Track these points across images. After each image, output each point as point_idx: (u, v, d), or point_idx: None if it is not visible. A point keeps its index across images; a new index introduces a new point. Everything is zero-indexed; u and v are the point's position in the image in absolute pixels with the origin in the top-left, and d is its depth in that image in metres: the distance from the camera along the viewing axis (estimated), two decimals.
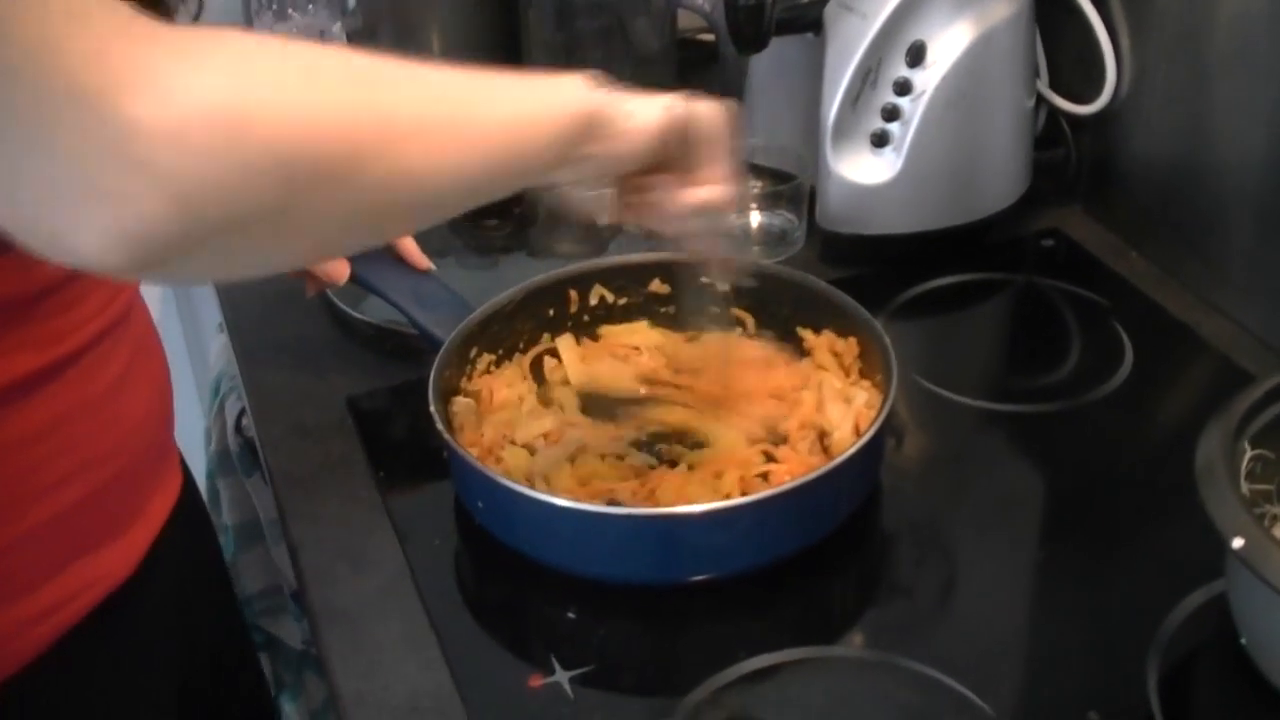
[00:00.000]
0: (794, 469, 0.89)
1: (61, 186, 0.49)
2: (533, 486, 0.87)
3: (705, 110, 0.76)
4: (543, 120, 0.68)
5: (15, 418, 0.72)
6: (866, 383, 0.96)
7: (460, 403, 0.95)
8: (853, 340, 0.98)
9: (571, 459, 0.92)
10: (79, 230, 0.50)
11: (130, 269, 0.52)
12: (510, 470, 0.90)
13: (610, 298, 1.04)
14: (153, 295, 1.58)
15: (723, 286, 0.98)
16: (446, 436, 0.87)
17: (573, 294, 1.03)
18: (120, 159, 0.49)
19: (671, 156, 0.76)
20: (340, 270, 1.00)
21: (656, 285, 1.04)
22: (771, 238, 1.21)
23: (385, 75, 0.60)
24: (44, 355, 0.72)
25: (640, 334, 1.04)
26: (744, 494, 0.87)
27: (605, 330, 1.04)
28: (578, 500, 0.86)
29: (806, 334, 1.00)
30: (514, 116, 0.67)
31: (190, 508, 0.92)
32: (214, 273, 0.60)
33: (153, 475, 0.85)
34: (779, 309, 1.02)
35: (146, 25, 0.51)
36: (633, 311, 1.05)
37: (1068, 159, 1.27)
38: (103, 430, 0.78)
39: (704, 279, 0.98)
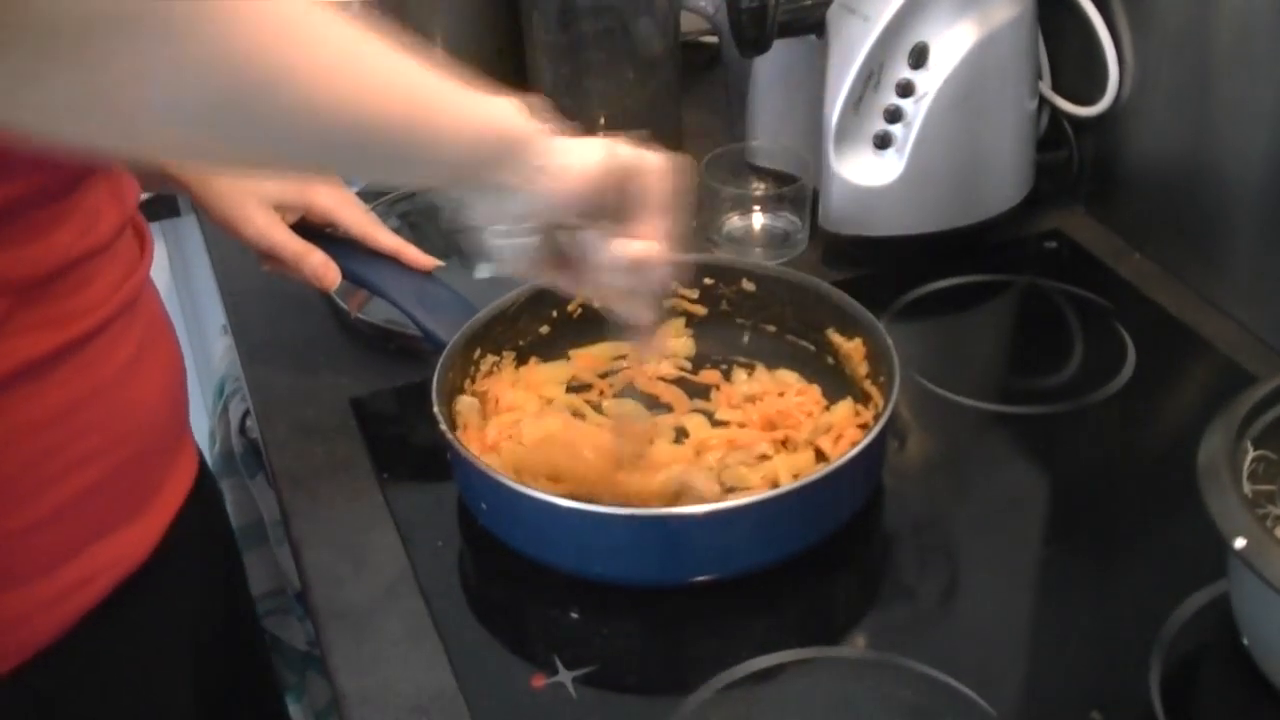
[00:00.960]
0: (798, 469, 0.89)
1: None
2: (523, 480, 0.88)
3: (650, 161, 0.74)
4: (458, 119, 0.66)
5: (30, 401, 0.72)
6: (875, 388, 0.96)
7: (464, 401, 0.95)
8: (858, 342, 0.98)
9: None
10: None
11: None
12: (503, 464, 0.90)
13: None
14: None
15: (649, 362, 0.95)
16: (450, 437, 0.87)
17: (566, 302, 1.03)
18: None
19: (606, 208, 0.73)
20: (331, 275, 1.00)
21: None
22: (774, 240, 1.21)
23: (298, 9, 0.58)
24: (57, 336, 0.73)
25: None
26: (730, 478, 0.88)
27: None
28: (578, 499, 0.87)
29: (837, 338, 1.00)
30: (426, 98, 0.65)
31: (205, 495, 0.93)
32: (29, 100, 0.53)
33: (168, 458, 0.85)
34: (781, 311, 1.02)
35: None
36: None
37: (1070, 160, 1.27)
38: (117, 414, 0.78)
39: (624, 353, 0.96)
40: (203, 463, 0.93)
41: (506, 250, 0.74)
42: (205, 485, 0.93)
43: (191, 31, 0.53)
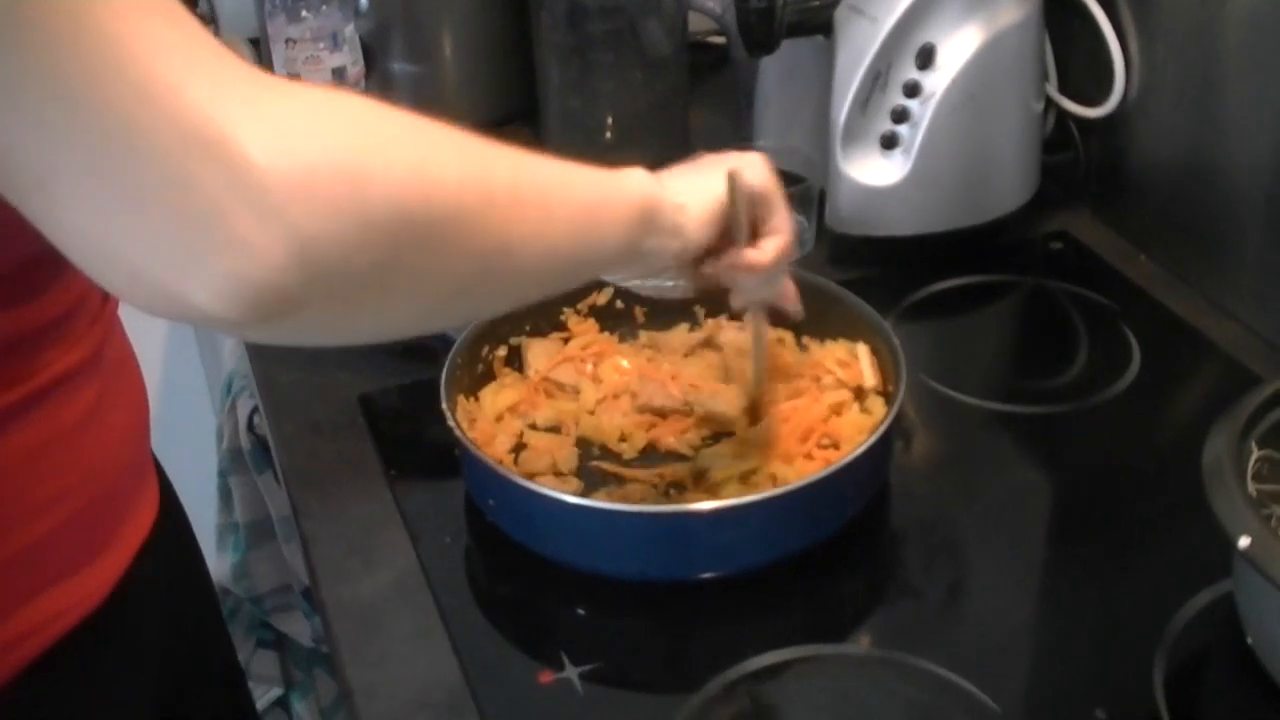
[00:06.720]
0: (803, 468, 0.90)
1: (181, 235, 0.48)
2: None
3: (749, 170, 0.78)
4: (615, 206, 0.70)
5: None
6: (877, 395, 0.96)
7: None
8: (865, 342, 0.98)
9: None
10: (196, 280, 0.49)
11: (245, 321, 0.50)
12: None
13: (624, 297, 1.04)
14: None
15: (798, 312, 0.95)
16: (458, 434, 0.88)
17: (586, 292, 1.04)
18: (248, 207, 0.48)
19: (734, 229, 0.78)
20: None
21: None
22: None
23: (482, 146, 0.61)
24: (20, 390, 0.71)
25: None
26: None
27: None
28: (587, 497, 0.87)
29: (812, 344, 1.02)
30: (591, 199, 0.68)
31: (173, 528, 0.90)
32: (315, 333, 0.58)
33: (129, 498, 0.83)
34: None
35: (253, 71, 0.50)
36: (651, 313, 1.05)
37: (1076, 161, 1.28)
38: (75, 461, 0.76)
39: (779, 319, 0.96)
40: (173, 501, 0.90)
41: (655, 293, 0.82)
42: (174, 524, 0.90)
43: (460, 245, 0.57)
